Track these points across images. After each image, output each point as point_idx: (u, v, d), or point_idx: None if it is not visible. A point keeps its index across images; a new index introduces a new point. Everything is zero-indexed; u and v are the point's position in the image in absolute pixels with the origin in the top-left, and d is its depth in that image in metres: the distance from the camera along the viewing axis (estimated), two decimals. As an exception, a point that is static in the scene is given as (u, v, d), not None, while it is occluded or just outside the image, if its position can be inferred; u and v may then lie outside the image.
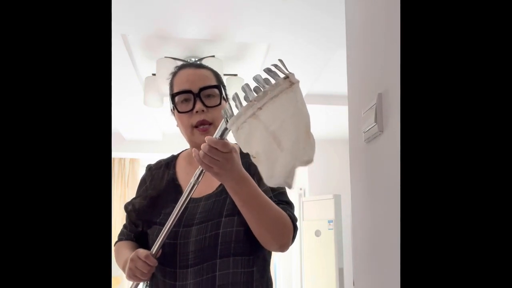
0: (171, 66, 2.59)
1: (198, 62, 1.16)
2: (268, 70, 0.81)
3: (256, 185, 0.98)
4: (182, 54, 2.89)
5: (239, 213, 1.02)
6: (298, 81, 0.81)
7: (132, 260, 1.00)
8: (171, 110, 1.16)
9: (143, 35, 2.69)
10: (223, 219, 1.04)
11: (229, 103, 0.88)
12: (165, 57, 2.79)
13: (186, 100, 1.10)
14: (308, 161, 0.80)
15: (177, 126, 1.17)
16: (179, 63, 2.83)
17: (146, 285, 1.12)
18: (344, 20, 1.20)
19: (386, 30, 0.89)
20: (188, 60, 2.89)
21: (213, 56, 2.81)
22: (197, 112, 1.08)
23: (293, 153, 0.79)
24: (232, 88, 2.90)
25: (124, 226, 1.22)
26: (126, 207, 1.20)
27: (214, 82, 1.13)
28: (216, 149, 0.90)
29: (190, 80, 1.11)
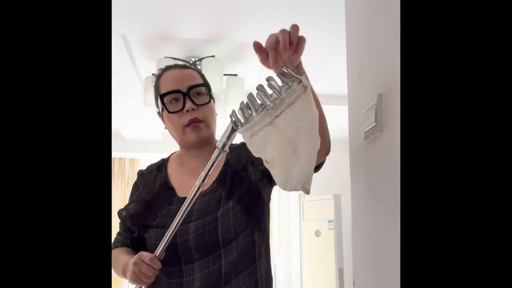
0: (171, 66, 2.58)
1: (183, 63, 1.16)
2: (280, 75, 0.80)
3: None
4: (182, 54, 2.88)
5: (234, 199, 1.04)
6: (310, 84, 0.81)
7: (135, 264, 1.00)
8: (159, 113, 1.15)
9: (143, 35, 2.69)
10: (219, 211, 1.05)
11: (240, 107, 0.87)
12: (165, 57, 2.79)
13: (175, 100, 1.10)
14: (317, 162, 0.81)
15: (166, 128, 1.16)
16: (179, 63, 2.83)
17: None
18: (344, 19, 1.20)
19: (386, 30, 0.89)
20: (188, 60, 2.89)
21: (213, 56, 2.81)
22: (187, 111, 1.08)
23: (310, 158, 0.78)
24: (232, 88, 2.90)
25: (119, 233, 1.21)
26: (120, 213, 1.19)
27: (200, 81, 1.13)
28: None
29: (177, 80, 1.11)
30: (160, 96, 1.12)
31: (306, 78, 0.90)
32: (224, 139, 0.93)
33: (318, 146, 0.79)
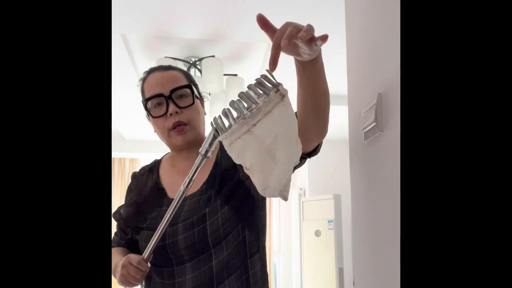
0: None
1: (167, 65, 1.15)
2: (258, 84, 0.82)
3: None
4: (182, 54, 2.88)
5: (222, 198, 1.04)
6: (287, 92, 0.82)
7: (124, 266, 1.00)
8: (146, 116, 1.15)
9: (143, 35, 2.69)
10: (207, 210, 1.04)
11: (220, 115, 0.88)
12: (165, 57, 2.79)
13: (158, 104, 1.09)
14: (295, 162, 0.82)
15: (155, 132, 1.16)
16: (179, 63, 2.83)
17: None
18: (344, 20, 1.20)
19: (386, 30, 0.89)
20: (188, 60, 2.89)
21: (213, 56, 2.81)
22: (171, 114, 1.07)
23: (287, 165, 0.81)
24: (232, 88, 2.90)
25: (115, 233, 1.22)
26: (114, 215, 1.20)
27: (184, 82, 1.11)
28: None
29: (159, 84, 1.09)
30: (144, 101, 1.11)
31: (319, 71, 0.87)
32: (207, 146, 0.95)
33: (298, 153, 0.81)
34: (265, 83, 0.82)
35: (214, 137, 0.94)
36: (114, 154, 5.01)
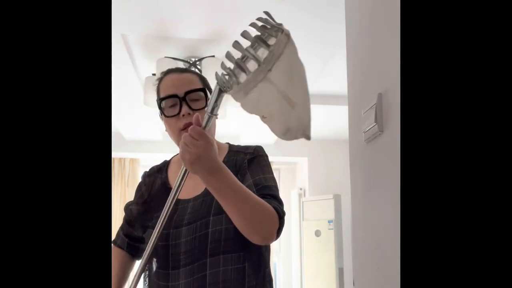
0: (171, 66, 2.60)
1: (184, 67, 1.15)
2: (262, 28, 0.79)
3: (233, 176, 0.97)
4: (182, 54, 2.88)
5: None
6: (289, 31, 0.79)
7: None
8: (160, 115, 1.17)
9: (143, 35, 2.69)
10: (211, 218, 1.04)
11: (226, 69, 0.85)
12: (165, 57, 2.79)
13: (173, 104, 1.11)
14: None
15: (166, 130, 1.18)
16: (179, 63, 2.83)
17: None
18: (344, 20, 1.20)
19: (386, 30, 0.89)
20: (188, 60, 2.89)
21: (213, 56, 2.81)
22: (183, 115, 1.09)
23: (306, 105, 0.79)
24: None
25: (121, 227, 1.24)
26: (125, 208, 1.22)
27: (199, 86, 1.14)
28: (190, 136, 0.90)
29: (175, 85, 1.12)
30: (159, 101, 1.13)
31: (217, 192, 0.95)
32: (213, 103, 0.91)
33: (309, 93, 0.80)
34: (267, 26, 0.78)
35: (220, 91, 0.88)
36: (114, 154, 5.00)
